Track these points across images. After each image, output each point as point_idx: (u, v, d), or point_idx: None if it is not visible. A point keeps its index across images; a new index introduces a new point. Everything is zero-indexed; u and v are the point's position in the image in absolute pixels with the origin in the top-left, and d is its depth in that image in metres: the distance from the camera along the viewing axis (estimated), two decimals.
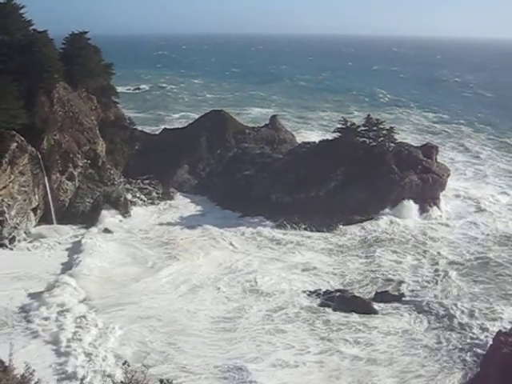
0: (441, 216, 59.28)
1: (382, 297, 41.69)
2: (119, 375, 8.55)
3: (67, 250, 49.41)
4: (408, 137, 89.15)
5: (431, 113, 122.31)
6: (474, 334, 36.72)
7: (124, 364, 8.77)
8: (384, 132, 63.04)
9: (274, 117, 79.68)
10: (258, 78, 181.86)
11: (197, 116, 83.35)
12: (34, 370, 8.34)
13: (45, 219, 54.29)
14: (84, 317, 37.60)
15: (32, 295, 40.25)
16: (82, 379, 8.31)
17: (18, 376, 8.22)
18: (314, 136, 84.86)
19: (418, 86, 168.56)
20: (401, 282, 44.47)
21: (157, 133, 76.98)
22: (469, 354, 34.53)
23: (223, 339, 36.15)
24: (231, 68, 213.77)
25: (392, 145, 62.56)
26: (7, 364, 8.91)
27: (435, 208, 59.92)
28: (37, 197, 52.84)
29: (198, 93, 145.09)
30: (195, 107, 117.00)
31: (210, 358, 33.72)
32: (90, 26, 70.67)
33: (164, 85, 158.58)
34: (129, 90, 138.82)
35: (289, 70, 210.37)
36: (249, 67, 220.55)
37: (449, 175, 63.73)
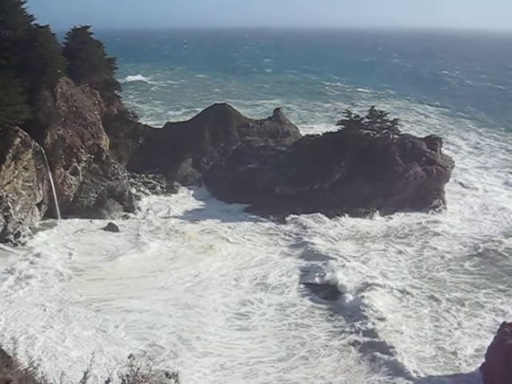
0: (445, 208, 59.20)
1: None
2: (124, 369, 8.59)
3: (69, 244, 49.45)
4: None
5: (419, 103, 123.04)
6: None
7: (129, 357, 8.76)
8: (388, 124, 62.87)
9: (277, 109, 79.27)
10: (249, 71, 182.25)
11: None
12: (38, 364, 8.37)
13: (49, 214, 54.46)
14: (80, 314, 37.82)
15: None
16: (86, 372, 8.34)
17: (23, 370, 8.24)
18: (319, 128, 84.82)
19: (408, 79, 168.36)
20: (400, 275, 44.55)
21: (160, 127, 76.99)
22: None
23: (243, 338, 36.10)
24: (223, 63, 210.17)
25: (396, 137, 62.40)
26: (12, 358, 8.94)
27: (439, 200, 59.83)
28: (41, 192, 52.92)
29: (184, 88, 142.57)
30: (175, 102, 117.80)
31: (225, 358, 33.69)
32: (93, 21, 70.50)
33: (146, 79, 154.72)
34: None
35: (283, 64, 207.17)
36: (241, 62, 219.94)
37: (453, 167, 63.58)
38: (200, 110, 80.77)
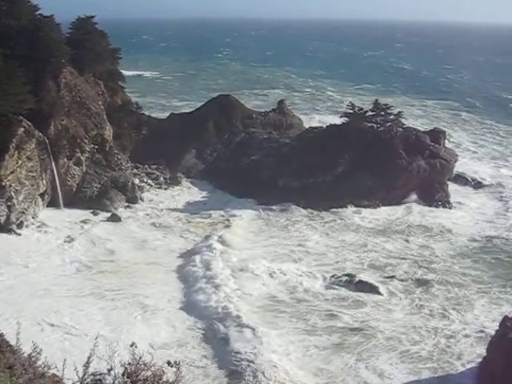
0: (448, 202, 59.05)
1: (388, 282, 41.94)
2: (126, 357, 8.61)
3: (71, 235, 49.38)
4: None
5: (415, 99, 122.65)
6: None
7: (131, 346, 8.78)
8: (392, 117, 62.75)
9: (281, 101, 79.08)
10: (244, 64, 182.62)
11: None
12: (41, 350, 8.40)
13: (52, 204, 54.50)
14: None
15: None
16: (89, 357, 8.39)
17: (25, 355, 8.29)
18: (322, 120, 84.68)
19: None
20: (404, 267, 44.51)
21: (164, 117, 76.85)
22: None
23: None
24: (212, 54, 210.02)
25: (400, 130, 62.23)
26: (14, 344, 8.98)
27: (442, 193, 59.71)
28: (44, 182, 52.97)
29: (176, 82, 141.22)
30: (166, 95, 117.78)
31: None
32: (98, 11, 70.37)
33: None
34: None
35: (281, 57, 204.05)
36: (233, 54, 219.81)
37: (456, 160, 63.53)
38: (193, 103, 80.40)
